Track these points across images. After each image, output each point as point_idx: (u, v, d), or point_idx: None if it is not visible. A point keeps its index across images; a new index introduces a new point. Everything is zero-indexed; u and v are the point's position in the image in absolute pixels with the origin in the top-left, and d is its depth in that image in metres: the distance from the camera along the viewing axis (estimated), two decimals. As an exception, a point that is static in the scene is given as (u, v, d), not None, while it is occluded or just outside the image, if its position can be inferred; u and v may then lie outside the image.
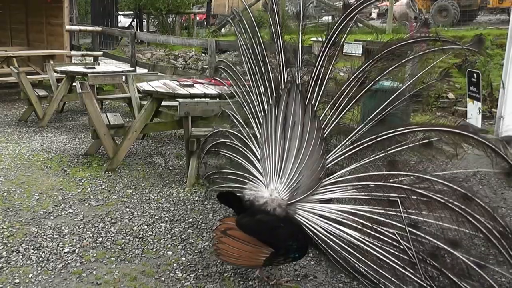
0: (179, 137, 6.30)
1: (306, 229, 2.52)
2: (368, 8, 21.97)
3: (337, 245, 2.43)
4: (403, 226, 2.28)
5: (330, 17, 19.26)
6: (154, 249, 3.31)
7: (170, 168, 5.08)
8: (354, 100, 2.68)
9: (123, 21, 20.88)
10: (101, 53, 10.22)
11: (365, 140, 2.56)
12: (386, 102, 2.60)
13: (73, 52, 10.12)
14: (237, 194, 2.64)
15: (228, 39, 13.10)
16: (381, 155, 2.51)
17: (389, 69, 2.62)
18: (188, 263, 3.13)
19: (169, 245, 3.37)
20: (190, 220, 3.79)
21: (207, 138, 3.44)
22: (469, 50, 2.49)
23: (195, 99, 4.72)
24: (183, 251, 3.29)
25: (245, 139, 3.01)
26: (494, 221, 2.17)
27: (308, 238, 2.52)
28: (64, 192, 4.28)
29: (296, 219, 2.56)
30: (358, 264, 2.39)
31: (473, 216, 2.19)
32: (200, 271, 3.04)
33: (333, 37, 2.75)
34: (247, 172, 2.89)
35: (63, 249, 3.26)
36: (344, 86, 2.68)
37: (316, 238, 2.49)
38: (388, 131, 2.49)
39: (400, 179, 2.41)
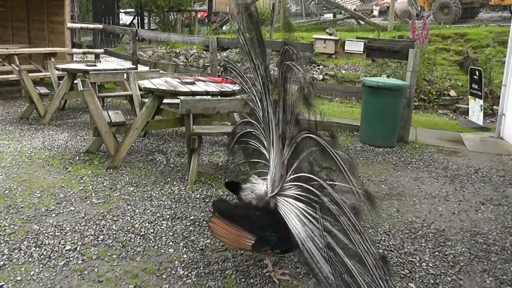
0: (181, 135, 6.31)
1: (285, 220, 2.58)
2: (370, 6, 21.93)
3: (302, 239, 2.45)
4: (323, 233, 2.31)
5: (331, 15, 19.26)
6: (156, 247, 3.31)
7: (172, 165, 5.08)
8: (281, 100, 2.77)
9: (125, 18, 20.91)
10: (102, 50, 10.22)
11: (292, 140, 2.69)
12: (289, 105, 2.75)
13: (74, 50, 10.14)
14: (239, 183, 2.88)
15: (229, 36, 13.08)
16: (301, 156, 2.65)
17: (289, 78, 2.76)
18: (190, 261, 3.13)
19: (171, 243, 3.37)
20: (192, 217, 3.79)
21: (235, 128, 3.45)
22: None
23: (197, 97, 4.72)
24: (184, 249, 3.29)
25: (261, 131, 3.09)
26: (368, 244, 2.15)
27: (290, 231, 2.55)
28: (65, 190, 4.29)
29: (278, 211, 2.65)
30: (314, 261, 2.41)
31: (354, 232, 2.20)
32: (201, 268, 3.04)
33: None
34: (266, 162, 3.00)
35: (64, 247, 3.26)
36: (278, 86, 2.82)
37: (290, 230, 2.54)
38: (299, 133, 2.64)
39: (314, 183, 2.50)
